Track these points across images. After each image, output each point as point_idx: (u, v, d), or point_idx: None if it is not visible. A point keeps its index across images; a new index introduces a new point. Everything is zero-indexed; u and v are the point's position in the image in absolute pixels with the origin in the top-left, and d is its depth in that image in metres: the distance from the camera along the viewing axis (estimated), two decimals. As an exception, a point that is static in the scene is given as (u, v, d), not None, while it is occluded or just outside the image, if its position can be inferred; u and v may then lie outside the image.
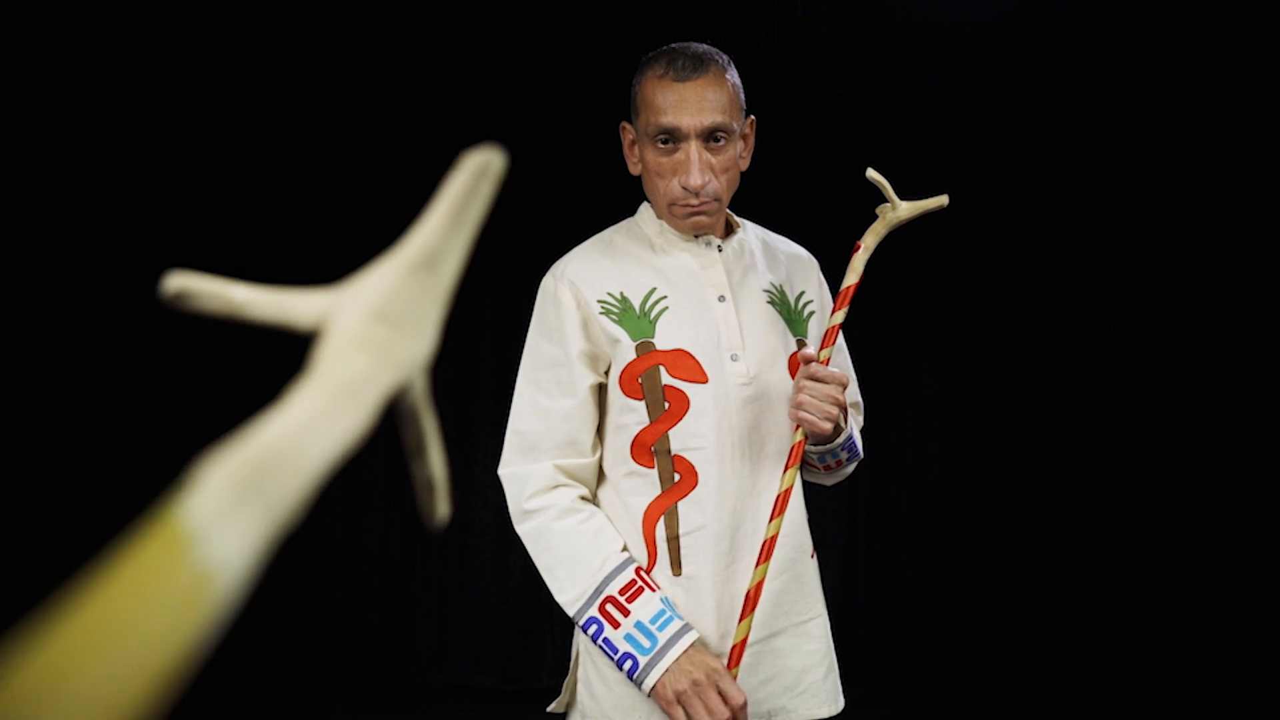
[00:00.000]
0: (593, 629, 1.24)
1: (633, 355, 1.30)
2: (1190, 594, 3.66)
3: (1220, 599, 3.64)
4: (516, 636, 3.68)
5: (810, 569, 1.38)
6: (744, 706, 1.19)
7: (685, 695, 1.18)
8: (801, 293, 1.44)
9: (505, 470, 1.33)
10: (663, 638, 1.21)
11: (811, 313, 1.43)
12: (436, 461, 0.30)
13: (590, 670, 1.33)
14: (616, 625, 1.22)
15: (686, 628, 1.23)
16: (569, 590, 1.25)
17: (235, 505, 0.17)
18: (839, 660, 1.41)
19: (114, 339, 3.70)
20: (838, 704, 1.39)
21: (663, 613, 1.22)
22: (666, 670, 1.19)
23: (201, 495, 0.17)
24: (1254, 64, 3.61)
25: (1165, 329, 3.73)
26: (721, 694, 1.18)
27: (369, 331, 0.23)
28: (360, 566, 3.73)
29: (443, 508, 0.31)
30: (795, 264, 1.47)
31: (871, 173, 1.29)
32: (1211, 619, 3.63)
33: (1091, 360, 3.78)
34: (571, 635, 1.42)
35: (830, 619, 1.40)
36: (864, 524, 3.73)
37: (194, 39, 3.65)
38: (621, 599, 1.23)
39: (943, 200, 1.30)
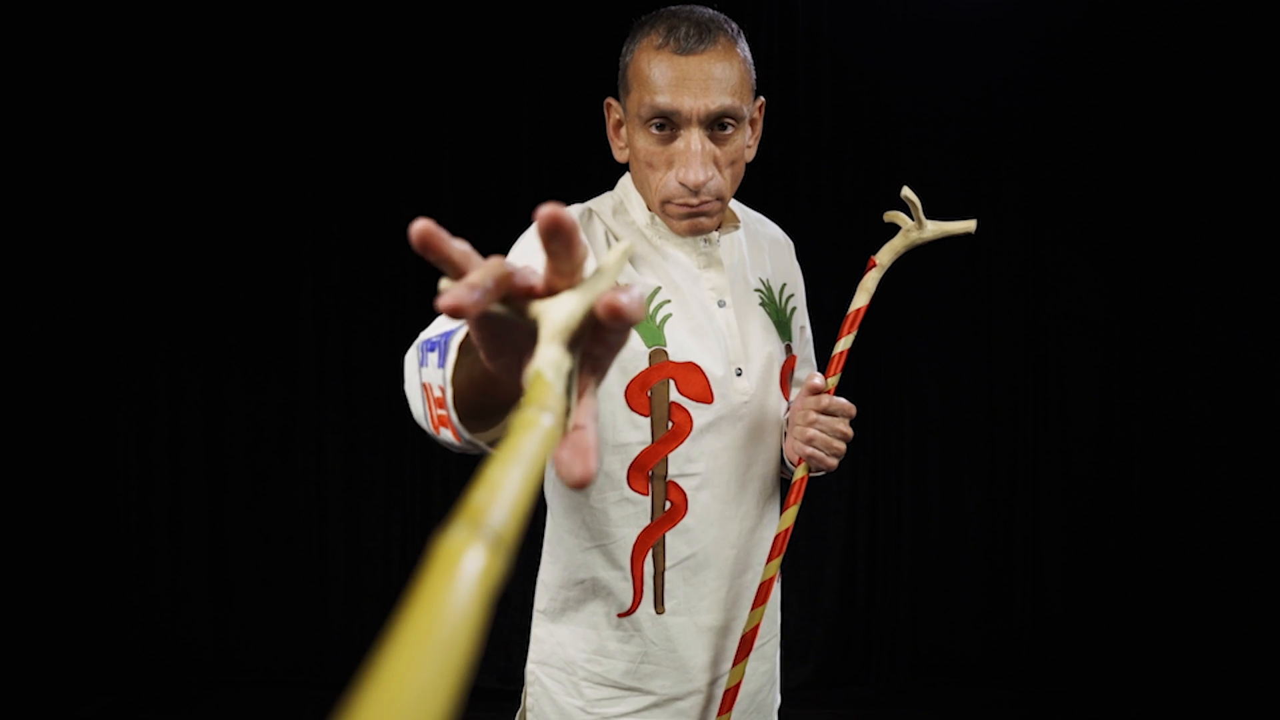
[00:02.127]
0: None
1: (645, 364, 1.11)
2: (1190, 594, 3.66)
3: (1220, 599, 3.64)
4: (516, 636, 3.68)
5: (776, 591, 1.29)
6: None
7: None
8: (784, 285, 1.28)
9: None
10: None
11: (794, 308, 1.30)
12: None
13: (544, 702, 1.22)
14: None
15: None
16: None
17: (555, 377, 0.41)
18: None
19: (114, 339, 3.70)
20: (774, 715, 1.35)
21: None
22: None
23: (544, 373, 0.41)
24: (1254, 64, 3.62)
25: (1165, 329, 3.73)
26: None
27: (568, 324, 0.44)
28: (360, 566, 3.73)
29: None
30: (776, 251, 1.31)
31: (907, 191, 1.15)
32: (1212, 619, 3.64)
33: (1091, 361, 3.78)
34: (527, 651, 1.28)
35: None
36: (864, 524, 3.73)
37: (194, 37, 3.65)
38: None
39: (970, 225, 1.18)
